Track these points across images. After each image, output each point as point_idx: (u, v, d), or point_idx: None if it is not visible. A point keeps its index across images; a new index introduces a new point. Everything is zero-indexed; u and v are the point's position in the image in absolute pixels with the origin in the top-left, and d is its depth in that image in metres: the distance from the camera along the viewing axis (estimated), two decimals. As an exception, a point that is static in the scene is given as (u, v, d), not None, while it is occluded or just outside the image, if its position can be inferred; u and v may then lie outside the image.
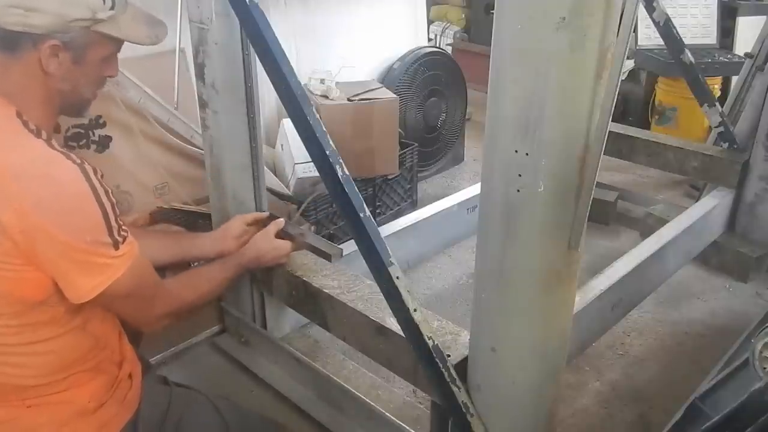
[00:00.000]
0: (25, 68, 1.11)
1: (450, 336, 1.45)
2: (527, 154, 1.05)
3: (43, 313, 1.11)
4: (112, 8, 1.15)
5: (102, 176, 1.10)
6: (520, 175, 1.07)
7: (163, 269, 1.55)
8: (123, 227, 1.13)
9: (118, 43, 1.21)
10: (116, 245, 1.11)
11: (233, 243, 1.68)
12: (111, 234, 1.10)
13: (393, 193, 2.94)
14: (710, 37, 3.85)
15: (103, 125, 2.15)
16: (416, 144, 3.00)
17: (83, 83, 1.19)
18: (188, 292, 1.40)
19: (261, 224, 1.76)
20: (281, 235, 1.73)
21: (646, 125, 3.81)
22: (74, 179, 1.06)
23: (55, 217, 1.04)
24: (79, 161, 1.08)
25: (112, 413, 1.23)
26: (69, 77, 1.15)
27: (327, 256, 1.70)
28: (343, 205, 1.39)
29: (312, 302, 1.69)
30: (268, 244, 1.68)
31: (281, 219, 1.76)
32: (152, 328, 1.34)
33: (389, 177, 2.84)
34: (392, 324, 1.47)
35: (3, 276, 1.05)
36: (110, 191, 1.10)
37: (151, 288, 1.26)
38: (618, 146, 2.84)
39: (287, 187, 2.51)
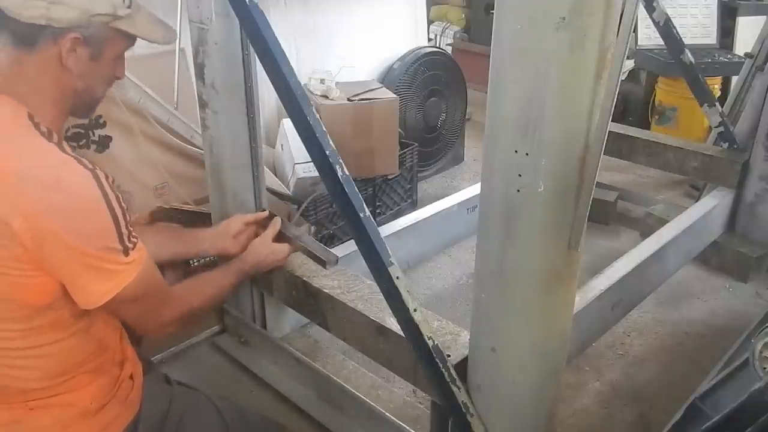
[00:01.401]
0: (42, 64, 1.10)
1: (450, 336, 1.45)
2: (527, 154, 1.05)
3: (49, 316, 1.11)
4: (129, 7, 1.17)
5: (113, 182, 1.10)
6: (520, 175, 1.07)
7: (162, 267, 1.55)
8: (133, 234, 1.13)
9: (130, 41, 1.22)
10: (126, 251, 1.10)
11: (231, 242, 1.68)
12: (122, 240, 1.09)
13: (393, 193, 2.94)
14: (710, 37, 3.85)
15: (103, 125, 2.15)
16: (416, 144, 3.01)
17: (97, 81, 1.19)
18: (194, 297, 1.40)
19: (261, 224, 1.76)
20: (279, 237, 1.73)
21: (646, 125, 3.81)
22: (86, 185, 1.05)
23: (67, 223, 1.03)
24: (91, 167, 1.07)
25: (114, 414, 1.23)
26: (85, 74, 1.15)
27: (322, 263, 1.71)
28: (343, 205, 1.39)
29: (312, 302, 1.69)
30: (266, 249, 1.68)
31: (278, 220, 1.76)
32: (158, 334, 1.33)
33: (389, 177, 2.84)
34: (392, 324, 1.46)
35: (13, 281, 1.05)
36: (121, 197, 1.10)
37: (159, 293, 1.25)
38: (618, 146, 2.84)
39: (287, 187, 2.51)
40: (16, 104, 1.08)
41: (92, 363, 1.20)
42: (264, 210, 1.87)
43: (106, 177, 1.08)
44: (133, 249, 1.12)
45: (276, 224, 1.74)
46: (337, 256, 1.71)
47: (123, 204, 1.10)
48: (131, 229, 1.12)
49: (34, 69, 1.10)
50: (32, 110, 1.09)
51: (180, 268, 1.65)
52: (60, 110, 1.16)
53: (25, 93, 1.09)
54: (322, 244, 1.81)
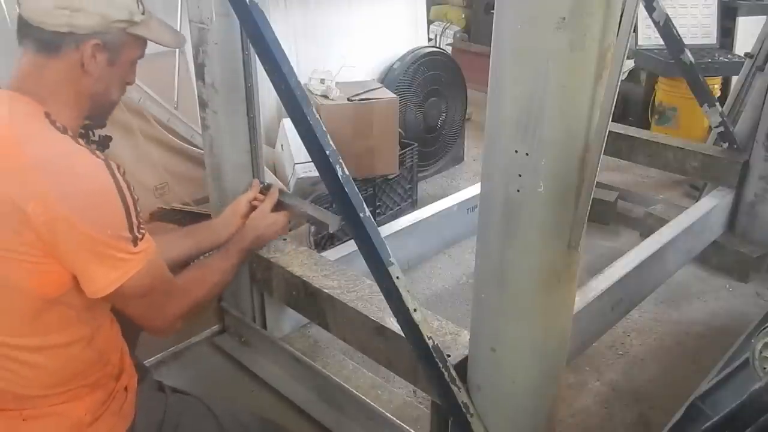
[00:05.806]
0: (64, 69, 1.15)
1: (450, 336, 1.45)
2: (527, 154, 1.05)
3: (56, 312, 1.12)
4: (143, 13, 1.23)
5: (124, 173, 1.12)
6: (520, 175, 1.07)
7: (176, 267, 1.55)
8: (141, 225, 1.14)
9: (144, 47, 1.28)
10: (135, 241, 1.12)
11: (242, 221, 1.70)
12: (131, 230, 1.11)
13: (393, 193, 2.94)
14: (710, 37, 3.85)
15: (103, 125, 2.15)
16: (416, 144, 3.01)
17: (113, 86, 1.24)
18: (198, 288, 1.41)
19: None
20: (278, 207, 1.72)
21: (646, 125, 3.81)
22: (99, 174, 1.09)
23: (80, 209, 1.06)
24: (103, 157, 1.10)
25: (108, 426, 1.23)
26: (102, 78, 1.20)
27: (324, 226, 1.69)
28: (343, 205, 1.39)
29: (312, 302, 1.69)
30: (264, 221, 1.70)
31: (275, 191, 1.76)
32: (166, 330, 1.32)
33: (389, 177, 2.85)
34: (392, 324, 1.46)
35: (23, 267, 1.06)
36: (132, 188, 1.13)
37: (166, 286, 1.26)
38: (618, 146, 2.84)
39: (287, 187, 2.51)
40: (35, 104, 1.12)
41: (92, 377, 1.20)
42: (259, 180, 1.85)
43: (118, 167, 1.11)
44: (141, 239, 1.14)
45: (273, 195, 1.74)
46: (339, 217, 1.65)
47: (134, 195, 1.13)
48: (141, 219, 1.14)
49: (55, 73, 1.15)
50: (49, 110, 1.13)
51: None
52: (77, 113, 1.20)
53: (45, 95, 1.13)
54: (321, 208, 1.78)
